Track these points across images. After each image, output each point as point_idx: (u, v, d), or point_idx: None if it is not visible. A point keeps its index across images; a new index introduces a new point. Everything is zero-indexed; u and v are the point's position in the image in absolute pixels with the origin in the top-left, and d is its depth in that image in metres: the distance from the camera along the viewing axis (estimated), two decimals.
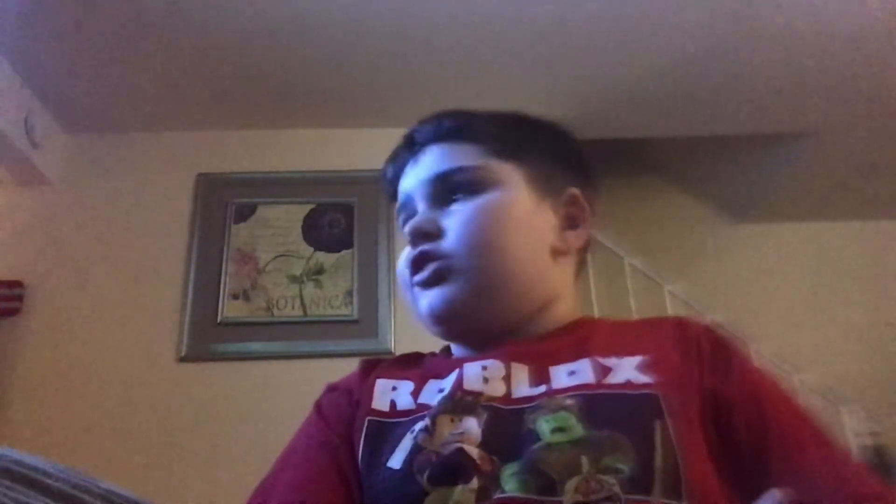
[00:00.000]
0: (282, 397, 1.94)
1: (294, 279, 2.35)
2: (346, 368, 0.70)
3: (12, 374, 2.15)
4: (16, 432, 2.07)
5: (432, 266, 0.63)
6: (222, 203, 2.44)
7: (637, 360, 0.56)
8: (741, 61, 2.32)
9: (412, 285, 0.66)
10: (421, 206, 0.67)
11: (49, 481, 0.39)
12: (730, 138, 2.88)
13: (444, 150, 0.68)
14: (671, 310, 2.72)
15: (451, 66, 2.30)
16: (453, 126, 0.69)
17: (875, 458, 2.55)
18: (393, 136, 0.75)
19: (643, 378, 0.53)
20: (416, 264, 0.65)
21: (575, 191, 0.70)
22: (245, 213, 2.43)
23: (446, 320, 0.65)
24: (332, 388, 0.67)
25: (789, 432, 0.53)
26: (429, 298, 0.64)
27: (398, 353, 1.39)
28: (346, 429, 0.60)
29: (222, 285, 2.31)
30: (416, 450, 0.52)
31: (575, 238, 0.69)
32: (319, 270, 2.37)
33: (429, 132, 0.70)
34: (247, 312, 2.29)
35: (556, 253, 0.67)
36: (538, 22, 2.13)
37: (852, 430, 2.65)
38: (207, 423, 2.12)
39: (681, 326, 0.62)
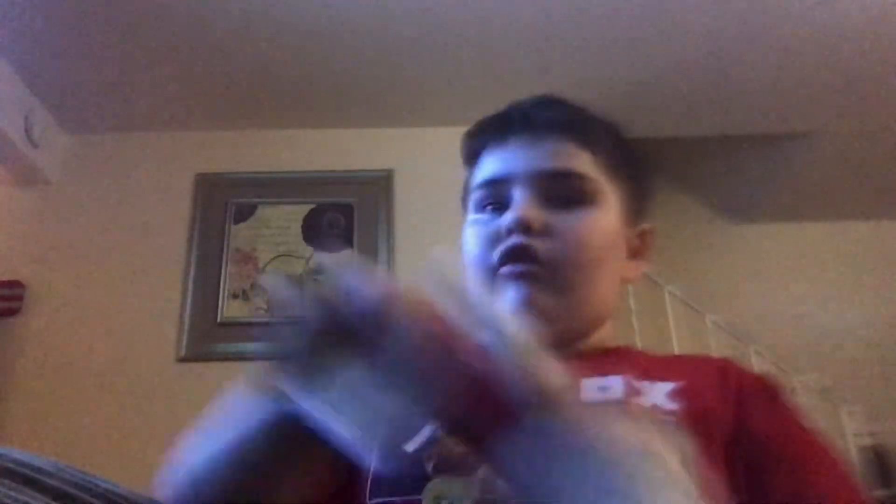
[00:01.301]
0: None
1: (294, 279, 2.35)
2: None
3: (12, 374, 2.16)
4: (16, 432, 2.07)
5: (532, 265, 0.62)
6: (222, 203, 2.44)
7: (669, 386, 0.55)
8: (741, 62, 2.32)
9: (494, 271, 0.64)
10: (521, 193, 0.65)
11: (49, 480, 0.39)
12: (730, 138, 2.87)
13: (562, 146, 0.66)
14: (671, 310, 2.72)
15: (450, 67, 2.30)
16: (572, 122, 0.69)
17: (875, 458, 2.55)
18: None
19: (670, 405, 0.53)
20: (514, 255, 0.63)
21: (648, 227, 0.72)
22: (245, 213, 2.43)
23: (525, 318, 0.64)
24: None
25: (826, 493, 0.52)
26: (516, 291, 0.62)
27: None
28: None
29: (222, 285, 2.31)
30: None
31: (636, 269, 0.71)
32: (319, 270, 2.37)
33: (547, 119, 0.68)
34: (247, 312, 2.29)
35: (624, 281, 0.70)
36: (538, 23, 2.13)
37: (852, 430, 2.66)
38: None
39: (725, 370, 0.60)
